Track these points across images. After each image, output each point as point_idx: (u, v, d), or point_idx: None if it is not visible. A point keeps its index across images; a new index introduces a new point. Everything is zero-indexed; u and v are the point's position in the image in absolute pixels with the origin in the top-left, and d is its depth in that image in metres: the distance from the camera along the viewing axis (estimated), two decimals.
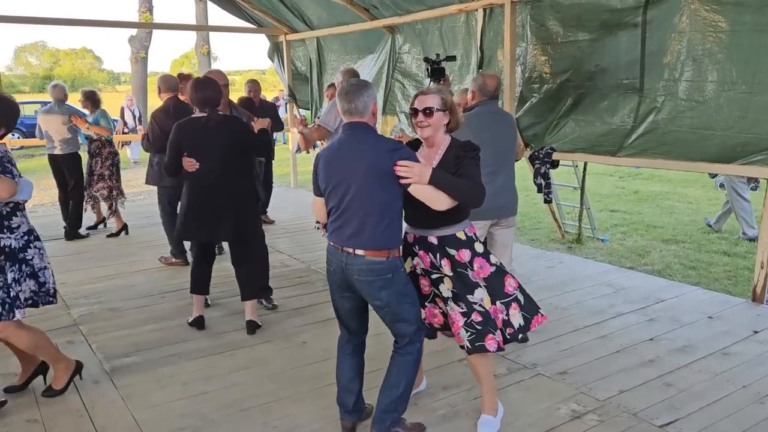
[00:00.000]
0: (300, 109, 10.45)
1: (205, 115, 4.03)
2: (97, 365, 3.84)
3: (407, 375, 2.85)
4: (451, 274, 2.87)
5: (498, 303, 2.93)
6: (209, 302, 4.80)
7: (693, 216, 8.07)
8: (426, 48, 7.24)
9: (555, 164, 6.16)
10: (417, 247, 2.94)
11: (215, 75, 4.42)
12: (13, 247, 3.22)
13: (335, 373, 3.06)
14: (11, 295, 3.14)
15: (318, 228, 6.41)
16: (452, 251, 2.87)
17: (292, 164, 10.65)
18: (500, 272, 2.97)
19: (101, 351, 4.05)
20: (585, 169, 7.05)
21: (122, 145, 16.11)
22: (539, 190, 6.27)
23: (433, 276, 2.93)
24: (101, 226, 7.53)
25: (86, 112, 7.01)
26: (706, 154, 4.92)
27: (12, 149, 12.54)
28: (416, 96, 2.91)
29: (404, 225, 2.96)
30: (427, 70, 5.76)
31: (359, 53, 8.58)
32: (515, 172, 4.11)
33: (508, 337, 2.95)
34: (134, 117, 15.40)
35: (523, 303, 3.01)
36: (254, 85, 7.24)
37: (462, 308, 2.86)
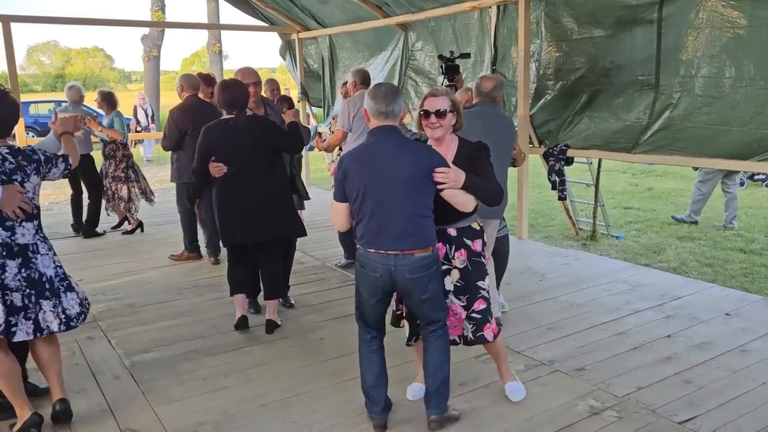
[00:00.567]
0: (312, 107, 10.47)
1: (232, 117, 4.00)
2: (117, 361, 3.88)
3: (448, 356, 2.98)
4: (463, 265, 3.04)
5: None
6: (258, 309, 4.66)
7: (708, 213, 8.01)
8: (439, 45, 7.24)
9: (569, 161, 6.15)
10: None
11: (247, 73, 4.36)
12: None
13: (358, 372, 3.08)
14: None
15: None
16: (468, 241, 3.06)
17: (305, 162, 10.67)
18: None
19: (120, 347, 4.10)
20: (599, 166, 7.03)
21: (135, 144, 16.22)
22: (553, 187, 6.26)
23: (443, 267, 3.04)
24: (126, 224, 7.52)
25: (101, 112, 7.06)
26: (722, 150, 4.90)
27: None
28: (426, 98, 2.98)
29: None
30: (441, 67, 5.75)
31: (371, 51, 8.58)
32: (507, 173, 4.01)
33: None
34: (147, 115, 15.48)
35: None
36: (273, 84, 7.31)
37: (463, 302, 3.07)
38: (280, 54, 10.62)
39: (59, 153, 3.18)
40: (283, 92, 7.96)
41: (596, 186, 7.07)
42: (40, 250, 2.98)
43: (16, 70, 7.76)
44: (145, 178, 7.31)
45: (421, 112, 2.98)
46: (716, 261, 6.15)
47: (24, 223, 2.91)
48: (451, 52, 5.71)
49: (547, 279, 5.28)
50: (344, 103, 5.55)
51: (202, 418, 3.18)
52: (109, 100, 6.95)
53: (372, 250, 2.80)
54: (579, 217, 7.45)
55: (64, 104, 7.11)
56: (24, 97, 22.36)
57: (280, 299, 4.74)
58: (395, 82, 7.96)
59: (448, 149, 3.00)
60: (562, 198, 6.41)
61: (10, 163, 2.89)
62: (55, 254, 3.08)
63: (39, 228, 3.01)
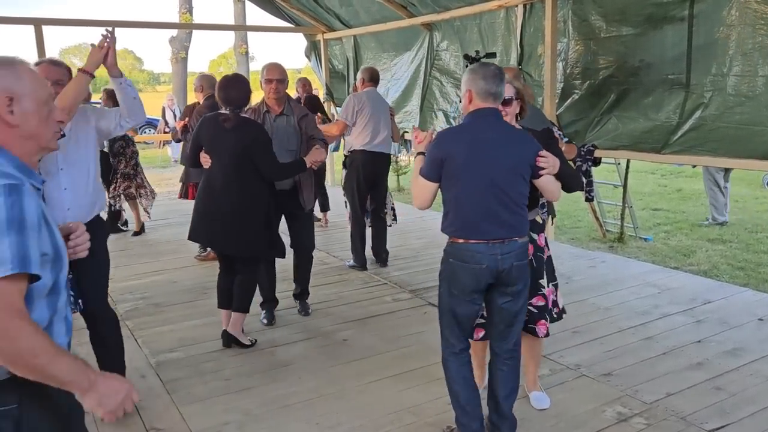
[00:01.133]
0: (337, 107, 10.48)
1: (225, 114, 3.82)
2: (143, 360, 3.92)
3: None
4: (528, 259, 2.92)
5: (550, 285, 3.16)
6: (273, 321, 4.49)
7: (740, 215, 7.84)
8: (464, 45, 7.19)
9: (597, 162, 6.04)
10: None
11: (271, 68, 4.20)
12: None
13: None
14: None
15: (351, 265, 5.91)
16: (534, 235, 3.07)
17: (329, 163, 10.69)
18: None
19: (147, 346, 4.13)
20: (628, 166, 6.91)
21: (163, 145, 16.43)
22: (580, 188, 6.16)
23: None
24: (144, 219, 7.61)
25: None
26: (755, 151, 4.77)
27: None
28: None
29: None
30: (466, 66, 5.72)
31: (396, 51, 8.56)
32: None
33: (555, 316, 3.19)
34: (175, 116, 15.65)
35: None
36: (305, 82, 7.39)
37: None
38: (306, 55, 10.65)
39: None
40: (313, 92, 8.01)
41: (624, 187, 6.96)
42: None
43: None
44: (144, 178, 7.35)
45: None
46: (748, 264, 6.01)
47: None
48: (477, 52, 5.67)
49: (574, 282, 5.20)
50: (350, 97, 5.64)
51: (225, 418, 3.19)
52: (114, 98, 7.04)
53: (474, 240, 2.59)
54: (606, 218, 7.34)
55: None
56: None
57: (298, 307, 4.67)
58: (420, 83, 7.93)
59: None
60: (589, 199, 6.30)
61: None
62: None
63: None
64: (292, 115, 4.30)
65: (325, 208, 7.54)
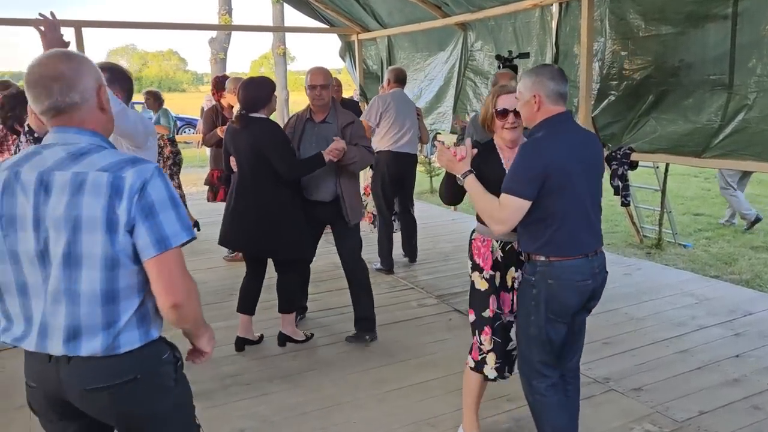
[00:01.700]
0: None
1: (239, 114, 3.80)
2: None
3: None
4: None
5: None
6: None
7: None
8: (499, 45, 7.05)
9: (634, 165, 5.86)
10: None
11: (316, 73, 3.97)
12: None
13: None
14: None
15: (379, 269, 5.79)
16: None
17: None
18: None
19: None
20: (666, 170, 6.68)
21: (201, 144, 16.66)
22: (616, 192, 5.97)
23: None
24: None
25: (150, 111, 7.27)
26: None
27: None
28: (499, 95, 2.64)
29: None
30: (499, 67, 5.61)
31: (429, 51, 8.47)
32: None
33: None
34: None
35: None
36: (336, 82, 7.34)
37: None
38: (340, 55, 10.64)
39: None
40: (351, 94, 7.95)
41: (663, 191, 6.73)
42: None
43: None
44: (180, 181, 7.41)
45: (497, 111, 2.62)
46: None
47: None
48: (510, 52, 5.56)
49: (606, 289, 4.93)
50: (374, 99, 5.60)
51: (243, 424, 3.17)
52: (155, 97, 7.19)
53: (576, 256, 2.40)
54: (644, 223, 7.10)
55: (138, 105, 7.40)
56: None
57: (366, 336, 4.33)
58: (454, 83, 7.83)
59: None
60: (625, 204, 6.10)
61: None
62: None
63: None
64: (335, 122, 4.01)
65: None
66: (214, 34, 20.64)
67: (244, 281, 4.14)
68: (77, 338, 1.59)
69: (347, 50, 10.36)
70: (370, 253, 6.25)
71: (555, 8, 6.22)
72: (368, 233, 7.11)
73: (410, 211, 5.86)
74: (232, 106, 5.82)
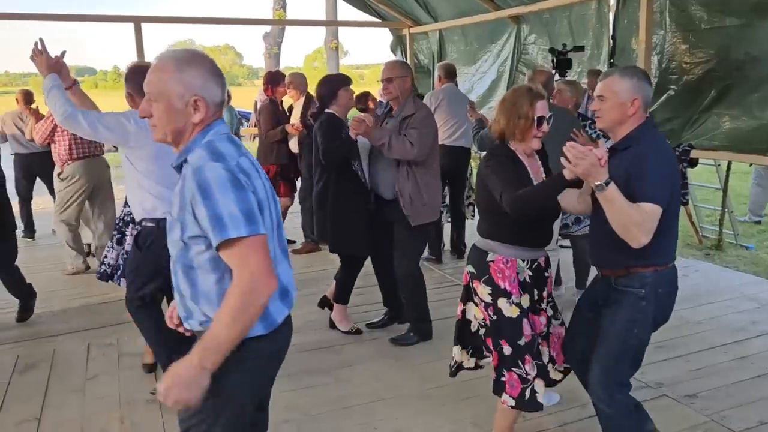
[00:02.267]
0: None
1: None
2: None
3: None
4: None
5: None
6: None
7: None
8: (553, 38, 6.89)
9: (693, 163, 5.64)
10: (549, 270, 2.78)
11: (384, 68, 3.96)
12: None
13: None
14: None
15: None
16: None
17: None
18: None
19: None
20: (729, 168, 6.40)
21: (254, 138, 16.93)
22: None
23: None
24: None
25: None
26: None
27: None
28: (537, 101, 2.54)
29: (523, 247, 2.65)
30: (553, 61, 5.48)
31: (481, 44, 8.35)
32: None
33: None
34: None
35: None
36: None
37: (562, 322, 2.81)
38: (391, 50, 10.61)
39: None
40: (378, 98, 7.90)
41: (724, 190, 6.45)
42: None
43: None
44: None
45: (535, 119, 2.51)
46: None
47: None
48: (564, 45, 5.42)
49: None
50: (427, 95, 5.55)
51: (285, 416, 3.19)
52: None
53: (672, 262, 2.40)
54: (703, 223, 6.84)
55: None
56: None
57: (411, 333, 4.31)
58: (506, 78, 7.69)
59: (537, 161, 2.70)
60: (683, 203, 5.89)
61: None
62: None
63: None
64: (399, 115, 3.93)
65: None
66: (268, 29, 20.94)
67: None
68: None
69: (398, 44, 10.32)
70: None
71: (613, 0, 6.04)
72: None
73: (462, 208, 5.84)
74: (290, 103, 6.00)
